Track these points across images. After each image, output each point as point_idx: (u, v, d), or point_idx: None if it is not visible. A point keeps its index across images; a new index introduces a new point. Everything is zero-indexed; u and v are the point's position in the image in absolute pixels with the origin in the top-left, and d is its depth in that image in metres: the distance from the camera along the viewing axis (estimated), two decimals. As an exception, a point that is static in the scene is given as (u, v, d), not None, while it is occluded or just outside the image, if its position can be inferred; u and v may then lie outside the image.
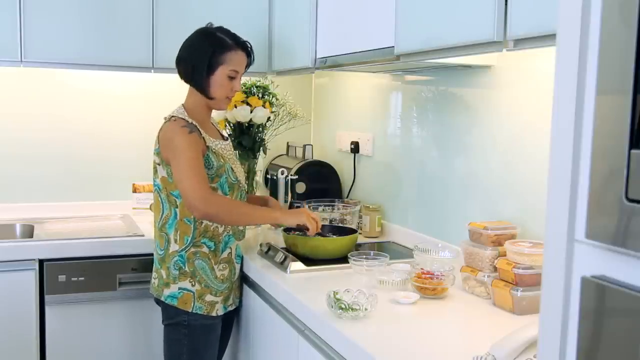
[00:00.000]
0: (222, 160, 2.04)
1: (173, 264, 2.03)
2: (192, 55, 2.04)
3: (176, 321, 2.04)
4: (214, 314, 2.06)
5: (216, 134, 2.16)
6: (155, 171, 2.05)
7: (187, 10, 2.66)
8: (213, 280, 2.05)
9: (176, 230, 2.02)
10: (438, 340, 1.46)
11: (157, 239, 2.09)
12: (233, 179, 2.07)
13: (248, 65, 2.12)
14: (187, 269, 2.03)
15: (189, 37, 2.09)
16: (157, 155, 2.03)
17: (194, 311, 2.02)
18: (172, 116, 2.04)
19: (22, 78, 2.83)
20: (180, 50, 2.09)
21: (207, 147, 2.01)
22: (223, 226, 2.06)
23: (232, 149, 2.20)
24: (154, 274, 2.12)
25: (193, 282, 2.03)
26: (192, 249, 2.02)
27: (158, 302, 2.10)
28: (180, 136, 1.96)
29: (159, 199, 2.06)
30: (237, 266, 2.15)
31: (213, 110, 2.18)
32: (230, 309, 2.15)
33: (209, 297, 2.04)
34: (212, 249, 2.04)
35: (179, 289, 2.03)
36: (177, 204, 2.01)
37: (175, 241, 2.03)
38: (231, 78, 2.04)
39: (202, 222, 2.02)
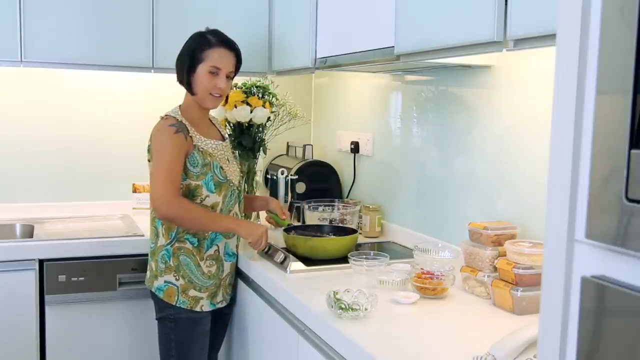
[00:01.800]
0: (209, 158, 2.06)
1: (160, 257, 2.09)
2: (181, 56, 2.12)
3: (164, 315, 2.10)
4: (198, 309, 2.09)
5: (214, 133, 2.19)
6: (149, 166, 2.09)
7: (187, 10, 2.66)
8: (198, 277, 2.08)
9: (162, 224, 2.08)
10: (438, 340, 1.46)
11: (150, 233, 2.15)
12: (221, 178, 2.09)
13: (237, 65, 2.14)
14: (172, 263, 2.07)
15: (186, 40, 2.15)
16: (148, 153, 2.09)
17: (178, 305, 2.07)
18: (166, 114, 2.09)
19: (22, 78, 2.83)
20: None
21: (195, 146, 2.04)
22: None
23: (229, 149, 2.22)
24: (147, 266, 2.18)
25: (177, 277, 2.07)
26: (177, 244, 2.07)
27: (152, 295, 2.14)
28: (166, 136, 2.01)
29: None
30: (227, 264, 2.16)
31: (211, 110, 2.20)
32: (219, 306, 2.16)
33: (192, 292, 2.08)
34: (195, 245, 2.08)
35: (165, 282, 2.08)
36: None
37: (162, 235, 2.09)
38: (212, 74, 2.07)
39: None
